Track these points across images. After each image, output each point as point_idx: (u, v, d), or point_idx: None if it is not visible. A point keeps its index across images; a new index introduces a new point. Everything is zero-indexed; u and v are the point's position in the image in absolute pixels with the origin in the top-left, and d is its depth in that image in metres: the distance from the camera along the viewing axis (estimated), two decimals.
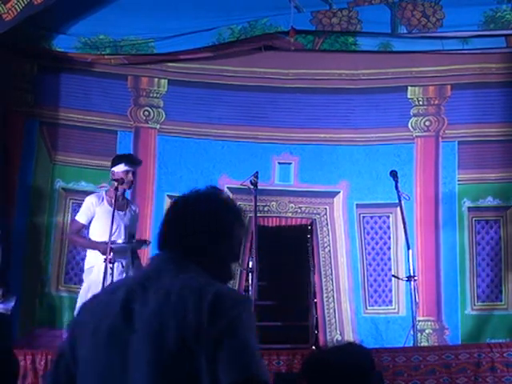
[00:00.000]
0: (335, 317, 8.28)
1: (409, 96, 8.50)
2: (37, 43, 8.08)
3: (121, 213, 7.10)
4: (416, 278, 7.00)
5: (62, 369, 2.43)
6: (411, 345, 6.81)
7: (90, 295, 6.73)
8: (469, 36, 8.08)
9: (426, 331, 8.10)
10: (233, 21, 7.98)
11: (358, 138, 8.49)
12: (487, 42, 8.12)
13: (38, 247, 8.26)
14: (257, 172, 7.27)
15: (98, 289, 6.75)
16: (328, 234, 8.44)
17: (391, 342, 7.59)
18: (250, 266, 6.99)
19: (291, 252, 8.57)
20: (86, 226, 7.13)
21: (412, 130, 8.50)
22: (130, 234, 7.18)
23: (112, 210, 6.95)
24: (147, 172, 8.43)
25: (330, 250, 8.38)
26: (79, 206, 8.30)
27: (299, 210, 8.53)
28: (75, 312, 2.49)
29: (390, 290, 8.27)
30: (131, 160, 7.12)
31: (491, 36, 8.02)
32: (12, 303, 7.25)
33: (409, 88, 8.50)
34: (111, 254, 6.92)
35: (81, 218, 7.11)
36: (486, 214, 8.33)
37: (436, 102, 8.49)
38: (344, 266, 8.35)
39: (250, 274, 6.98)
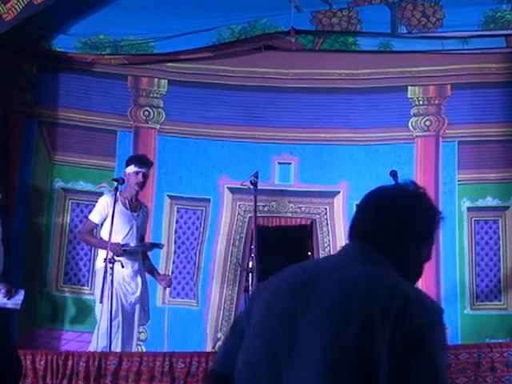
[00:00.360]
0: None
1: (409, 96, 8.50)
2: (37, 43, 8.09)
3: (134, 214, 7.11)
4: None
5: (237, 333, 2.43)
6: None
7: (105, 294, 6.75)
8: (469, 36, 8.09)
9: None
10: (233, 21, 7.99)
11: (358, 138, 8.49)
12: (487, 42, 8.13)
13: (37, 247, 8.26)
14: (257, 172, 7.26)
15: (118, 287, 6.84)
16: (328, 234, 8.44)
17: None
18: (250, 266, 6.99)
19: (291, 252, 8.56)
20: (99, 226, 7.11)
21: (412, 129, 8.50)
22: (141, 235, 7.21)
23: (127, 211, 7.01)
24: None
25: (330, 250, 8.37)
26: (78, 205, 8.34)
27: (299, 210, 8.54)
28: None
29: None
30: (141, 161, 7.12)
31: (491, 36, 8.02)
32: (21, 297, 7.24)
33: (409, 88, 8.50)
34: (111, 254, 6.94)
35: (94, 217, 7.08)
36: (486, 214, 8.33)
37: (436, 101, 8.49)
38: None
39: (249, 274, 6.98)
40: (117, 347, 6.77)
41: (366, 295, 2.18)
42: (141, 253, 7.13)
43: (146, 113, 8.56)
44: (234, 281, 8.31)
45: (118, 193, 7.06)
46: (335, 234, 8.43)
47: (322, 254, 8.38)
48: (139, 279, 7.06)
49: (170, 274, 7.75)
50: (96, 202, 8.25)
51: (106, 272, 6.88)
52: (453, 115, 8.43)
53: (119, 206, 7.03)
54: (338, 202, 8.47)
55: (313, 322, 2.22)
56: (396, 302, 2.14)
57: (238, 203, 8.43)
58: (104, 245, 6.91)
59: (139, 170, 7.03)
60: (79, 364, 6.13)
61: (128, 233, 7.02)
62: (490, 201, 8.33)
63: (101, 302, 7.25)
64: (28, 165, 8.28)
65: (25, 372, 5.96)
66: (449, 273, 8.21)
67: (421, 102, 8.51)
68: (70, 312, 8.25)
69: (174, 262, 8.36)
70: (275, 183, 8.51)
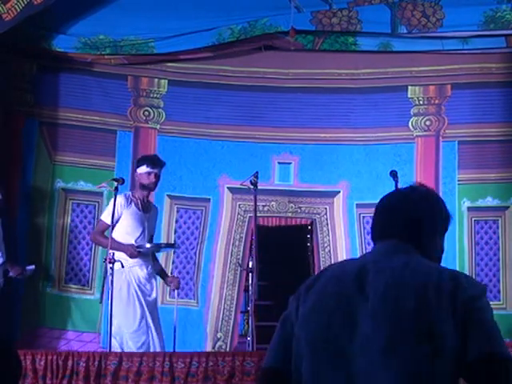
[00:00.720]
0: None
1: (409, 96, 8.50)
2: (37, 43, 8.09)
3: (146, 214, 7.08)
4: None
5: (288, 329, 2.53)
6: None
7: (125, 296, 6.76)
8: (469, 36, 8.08)
9: None
10: (233, 21, 7.98)
11: (358, 138, 8.48)
12: (487, 42, 8.12)
13: (38, 247, 8.26)
14: (257, 172, 7.25)
15: (130, 289, 6.83)
16: (328, 234, 8.44)
17: None
18: (250, 266, 6.98)
19: (291, 252, 8.57)
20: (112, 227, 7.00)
21: (412, 129, 8.49)
22: (151, 236, 7.18)
23: (140, 212, 6.97)
24: None
25: (330, 250, 8.38)
26: (79, 205, 8.33)
27: (299, 210, 8.53)
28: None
29: None
30: (153, 161, 7.06)
31: (491, 36, 8.02)
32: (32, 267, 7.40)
33: (409, 88, 8.50)
34: (112, 254, 6.93)
35: (107, 218, 6.96)
36: (486, 214, 8.33)
37: (436, 101, 8.48)
38: None
39: (249, 274, 6.97)
40: (154, 344, 6.76)
41: (418, 276, 2.37)
42: (150, 254, 7.09)
43: (146, 113, 8.56)
44: (234, 281, 8.31)
45: (130, 194, 7.05)
46: (335, 234, 8.42)
47: (321, 254, 8.38)
48: (153, 281, 7.03)
49: (177, 275, 7.69)
50: (96, 202, 8.34)
51: (106, 272, 6.88)
52: (453, 115, 8.42)
53: (133, 207, 6.98)
54: (338, 201, 8.47)
55: (370, 307, 2.35)
56: (446, 278, 2.36)
57: (238, 203, 8.42)
58: (119, 247, 6.85)
59: (151, 170, 6.98)
60: (79, 364, 6.14)
61: (141, 234, 6.99)
62: (489, 201, 8.33)
63: (100, 302, 7.27)
64: (29, 165, 8.28)
65: (25, 372, 5.97)
66: None
67: (421, 102, 8.50)
68: (71, 312, 8.24)
69: (173, 262, 8.35)
70: (275, 183, 8.51)
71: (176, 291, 7.49)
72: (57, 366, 6.16)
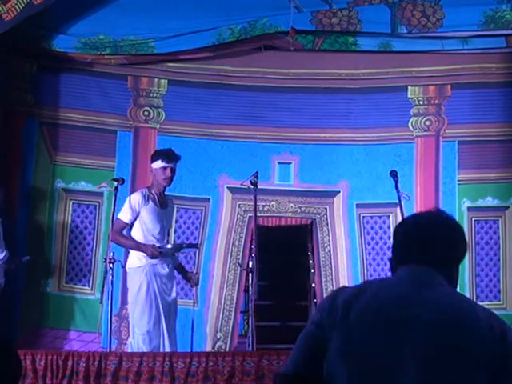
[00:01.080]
0: None
1: (409, 96, 8.49)
2: (37, 43, 8.08)
3: (164, 210, 6.99)
4: None
5: (315, 336, 2.48)
6: None
7: (143, 295, 6.72)
8: (469, 36, 8.07)
9: None
10: (233, 21, 7.97)
11: (358, 138, 8.47)
12: (487, 42, 8.11)
13: (39, 247, 8.25)
14: (257, 172, 7.22)
15: (149, 288, 6.77)
16: (328, 234, 8.43)
17: None
18: (250, 266, 6.96)
19: (291, 252, 8.57)
20: (129, 226, 6.93)
21: (412, 129, 8.48)
22: (168, 231, 7.14)
23: (158, 208, 6.88)
24: (147, 172, 8.29)
25: (330, 250, 8.37)
26: (79, 206, 8.33)
27: (299, 210, 8.53)
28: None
29: None
30: (169, 156, 6.92)
31: (491, 36, 8.01)
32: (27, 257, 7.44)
33: (409, 88, 8.49)
34: (112, 254, 6.92)
35: (125, 216, 6.85)
36: (486, 214, 8.32)
37: (436, 101, 8.47)
38: (344, 265, 8.34)
39: (249, 274, 6.95)
40: (165, 346, 6.70)
41: (461, 312, 2.39)
42: (170, 252, 7.01)
43: (146, 113, 8.55)
44: (234, 281, 8.31)
45: (147, 190, 6.96)
46: (335, 234, 8.42)
47: (321, 254, 8.37)
48: (174, 280, 6.98)
49: (198, 272, 7.54)
50: (96, 202, 8.34)
51: (106, 272, 6.87)
52: (453, 115, 8.41)
53: (150, 203, 6.87)
54: (338, 201, 8.46)
55: (419, 342, 2.35)
56: (492, 320, 2.40)
57: (238, 203, 8.42)
58: (139, 247, 6.79)
59: (167, 165, 6.86)
60: (79, 364, 6.14)
61: (160, 231, 6.90)
62: (490, 201, 8.32)
63: (101, 302, 7.25)
64: (29, 165, 8.28)
65: (25, 372, 5.97)
66: None
67: (421, 102, 8.49)
68: (71, 312, 8.24)
69: None
70: (275, 183, 8.50)
71: (176, 291, 7.49)
72: (57, 365, 6.16)
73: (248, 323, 7.12)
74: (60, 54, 8.13)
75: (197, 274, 7.41)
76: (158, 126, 8.55)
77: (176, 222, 8.39)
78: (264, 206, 8.35)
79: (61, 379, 6.14)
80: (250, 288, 6.91)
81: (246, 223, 8.40)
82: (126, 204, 6.89)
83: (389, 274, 7.98)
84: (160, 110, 8.57)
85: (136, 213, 6.81)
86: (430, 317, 2.35)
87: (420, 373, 2.31)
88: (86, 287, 8.30)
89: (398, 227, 2.63)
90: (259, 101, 8.56)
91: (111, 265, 6.77)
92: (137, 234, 6.85)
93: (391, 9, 7.95)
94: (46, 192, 8.34)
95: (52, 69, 8.37)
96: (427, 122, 8.48)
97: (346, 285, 7.87)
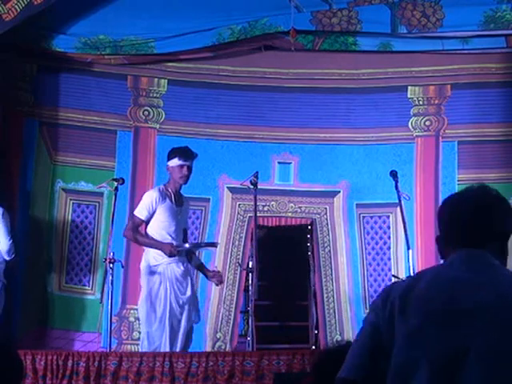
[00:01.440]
0: (335, 317, 8.26)
1: (409, 96, 8.47)
2: (37, 43, 8.05)
3: (179, 208, 6.98)
4: None
5: (372, 338, 2.42)
6: None
7: (153, 295, 6.71)
8: (469, 36, 8.06)
9: None
10: (233, 21, 7.95)
11: (357, 138, 8.46)
12: (487, 42, 8.10)
13: (39, 248, 8.24)
14: (257, 172, 7.20)
15: (160, 288, 6.77)
16: (328, 234, 8.42)
17: None
18: (250, 266, 6.95)
19: (291, 252, 8.56)
20: (145, 223, 6.92)
21: (412, 129, 8.47)
22: (184, 230, 7.10)
23: (174, 206, 6.87)
24: (147, 172, 8.43)
25: (330, 250, 8.36)
26: (79, 206, 8.32)
27: (299, 210, 8.52)
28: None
29: None
30: (186, 154, 6.92)
31: (491, 36, 7.99)
32: None
33: (409, 88, 8.47)
34: (112, 254, 6.91)
35: (141, 214, 6.85)
36: None
37: (436, 101, 8.45)
38: (344, 265, 8.33)
39: (249, 274, 6.94)
40: (165, 347, 6.67)
41: None
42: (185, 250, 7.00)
43: (146, 112, 8.53)
44: (234, 281, 8.29)
45: (163, 187, 6.96)
46: (335, 234, 8.41)
47: (321, 254, 8.36)
48: (189, 278, 6.94)
49: (217, 270, 7.50)
50: (96, 202, 8.33)
51: (106, 272, 6.86)
52: (453, 115, 8.39)
53: (167, 201, 6.87)
54: (338, 201, 8.45)
55: (478, 322, 2.32)
56: None
57: (238, 203, 8.40)
58: (157, 245, 6.78)
59: (184, 163, 6.87)
60: (79, 364, 6.14)
61: (176, 229, 6.89)
62: None
63: (101, 302, 7.23)
64: (29, 165, 8.25)
65: (25, 372, 5.96)
66: None
67: (421, 102, 8.48)
68: (71, 312, 8.22)
69: None
70: (275, 183, 8.48)
71: None
72: (57, 365, 6.16)
73: (248, 323, 7.11)
74: (60, 54, 8.11)
75: (219, 272, 7.38)
76: (157, 126, 8.54)
77: None
78: (264, 205, 8.32)
79: (61, 379, 6.14)
80: (250, 288, 6.90)
81: (246, 223, 8.38)
82: (143, 201, 6.90)
83: (389, 273, 7.96)
84: (160, 109, 8.55)
85: (153, 210, 6.82)
86: (492, 301, 2.32)
87: (488, 358, 2.28)
88: (86, 287, 8.29)
89: (446, 208, 2.55)
90: (259, 101, 8.54)
91: (111, 265, 6.77)
92: (152, 231, 6.86)
93: (391, 9, 7.94)
94: (46, 192, 8.32)
95: (52, 69, 8.35)
96: (427, 122, 8.47)
97: (346, 285, 7.84)
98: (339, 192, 8.47)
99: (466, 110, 8.39)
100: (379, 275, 8.31)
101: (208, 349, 7.95)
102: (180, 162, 6.86)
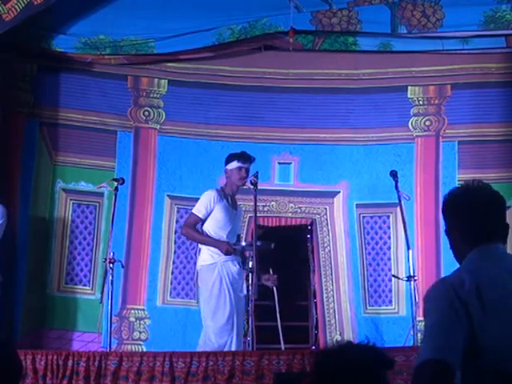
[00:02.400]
0: (335, 317, 8.25)
1: (409, 96, 8.45)
2: (37, 43, 8.03)
3: (234, 211, 7.11)
4: (416, 277, 6.98)
5: (459, 319, 2.61)
6: (411, 345, 6.79)
7: (216, 292, 6.77)
8: (469, 36, 8.03)
9: None
10: (233, 21, 7.94)
11: (358, 138, 8.44)
12: (487, 42, 8.07)
13: (39, 248, 8.22)
14: (257, 172, 7.19)
15: (222, 284, 6.84)
16: (328, 234, 8.41)
17: (391, 342, 7.54)
18: (250, 265, 6.95)
19: (291, 252, 8.54)
20: (202, 221, 7.01)
21: (412, 129, 8.44)
22: (237, 234, 7.18)
23: (230, 208, 7.00)
24: (147, 172, 8.41)
25: (330, 250, 8.35)
26: (79, 206, 8.31)
27: (299, 210, 8.50)
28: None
29: (390, 290, 8.23)
30: (244, 157, 7.08)
31: (491, 36, 7.97)
32: None
33: (409, 88, 8.45)
34: (112, 254, 6.90)
35: (199, 212, 6.97)
36: None
37: (436, 101, 8.43)
38: (344, 265, 8.32)
39: (249, 274, 6.94)
40: (231, 346, 6.74)
41: None
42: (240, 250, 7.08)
43: (146, 113, 8.51)
44: None
45: (221, 189, 7.10)
46: (335, 234, 8.39)
47: (321, 254, 8.34)
48: (243, 278, 7.03)
49: (273, 273, 7.56)
50: (97, 202, 8.32)
51: (106, 272, 6.86)
52: (453, 115, 8.37)
53: (224, 202, 7.00)
54: (338, 201, 8.44)
55: None
56: None
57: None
58: (213, 243, 6.89)
59: (242, 165, 7.02)
60: (79, 364, 6.14)
61: (231, 230, 7.01)
62: None
63: (100, 302, 7.23)
64: (29, 165, 8.22)
65: (25, 372, 5.96)
66: (449, 273, 8.13)
67: (421, 102, 8.46)
68: (72, 312, 8.21)
69: (174, 262, 8.32)
70: (275, 183, 8.47)
71: (176, 291, 7.46)
72: (57, 365, 6.15)
73: (248, 323, 7.11)
74: (60, 54, 8.08)
75: (274, 274, 7.44)
76: (158, 127, 8.51)
77: (176, 222, 8.37)
78: (264, 206, 8.32)
79: (61, 379, 6.13)
80: (250, 288, 6.90)
81: (247, 223, 8.34)
82: (201, 199, 7.02)
83: (389, 273, 7.90)
84: (160, 110, 8.53)
85: (210, 208, 6.95)
86: None
87: None
88: (87, 287, 8.27)
89: (466, 207, 2.74)
90: (259, 101, 8.53)
91: (111, 265, 6.77)
92: (209, 230, 6.97)
93: (391, 9, 7.91)
94: (47, 192, 8.30)
95: (52, 69, 8.33)
96: (427, 122, 8.44)
97: (346, 285, 7.77)
98: (339, 192, 8.45)
99: (466, 109, 8.37)
100: (379, 275, 8.29)
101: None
102: (239, 165, 7.03)
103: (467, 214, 2.66)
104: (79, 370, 6.13)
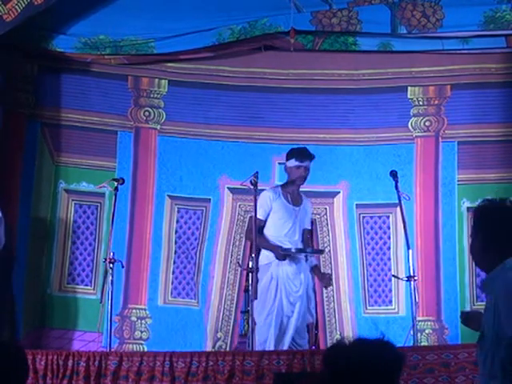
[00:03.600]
0: (335, 317, 8.21)
1: (409, 96, 8.40)
2: (37, 44, 7.98)
3: (296, 208, 7.05)
4: (416, 278, 6.95)
5: None
6: (411, 345, 6.75)
7: (265, 290, 6.81)
8: (469, 36, 7.99)
9: (426, 331, 8.03)
10: (233, 21, 7.88)
11: (357, 138, 8.38)
12: (487, 42, 8.03)
13: (40, 248, 8.18)
14: (257, 172, 7.14)
15: (271, 283, 6.89)
16: (328, 234, 8.36)
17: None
18: (250, 266, 6.91)
19: None
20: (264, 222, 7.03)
21: (412, 130, 8.39)
22: (303, 230, 7.15)
23: (290, 205, 6.98)
24: (147, 172, 8.36)
25: (330, 250, 8.30)
26: (81, 206, 8.27)
27: None
28: None
29: (390, 290, 8.20)
30: (303, 155, 7.04)
31: (491, 36, 7.93)
32: None
33: (409, 88, 8.40)
34: (112, 254, 6.87)
35: (259, 213, 6.95)
36: None
37: (436, 102, 8.38)
38: (344, 265, 8.27)
39: (249, 274, 6.90)
40: (270, 345, 6.75)
41: None
42: (305, 256, 7.08)
43: (147, 113, 8.46)
44: (234, 280, 8.22)
45: (280, 187, 7.10)
46: (335, 234, 8.35)
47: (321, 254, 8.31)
48: (302, 276, 7.01)
49: (329, 272, 7.62)
50: (98, 202, 8.29)
51: (106, 272, 6.82)
52: (453, 115, 8.33)
53: (282, 200, 7.01)
54: (338, 202, 8.39)
55: None
56: None
57: (239, 203, 8.34)
58: (269, 247, 6.92)
59: (300, 164, 7.00)
60: (79, 364, 6.12)
61: (291, 228, 6.99)
62: None
63: (101, 302, 7.20)
64: (31, 166, 8.17)
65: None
66: (449, 273, 8.13)
67: (421, 103, 8.41)
68: (73, 312, 8.16)
69: (174, 262, 8.27)
70: (275, 183, 8.37)
71: (177, 291, 7.42)
72: (57, 365, 6.12)
73: (248, 323, 7.09)
74: (60, 55, 8.03)
75: (330, 275, 7.46)
76: (158, 127, 8.46)
77: (177, 222, 8.33)
78: None
79: (61, 379, 6.11)
80: (250, 288, 6.87)
81: (247, 223, 8.29)
82: (259, 201, 7.01)
83: (389, 273, 7.87)
84: (160, 110, 8.47)
85: (269, 208, 6.99)
86: None
87: None
88: (88, 287, 8.23)
89: (501, 221, 3.16)
90: (259, 101, 8.47)
91: (111, 265, 6.76)
92: (270, 229, 7.00)
93: (391, 9, 7.86)
94: (48, 193, 8.24)
95: (53, 70, 8.26)
96: (427, 123, 8.40)
97: (346, 285, 7.74)
98: (339, 192, 8.40)
99: (465, 110, 8.32)
100: (379, 275, 8.25)
101: (208, 348, 7.92)
102: (297, 163, 7.03)
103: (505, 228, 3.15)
104: (79, 370, 6.12)
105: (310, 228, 7.42)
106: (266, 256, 6.99)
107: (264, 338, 6.81)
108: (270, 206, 6.99)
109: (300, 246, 7.16)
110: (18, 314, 7.93)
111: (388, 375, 2.70)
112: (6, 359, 2.90)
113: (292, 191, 7.10)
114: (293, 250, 6.97)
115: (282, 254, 6.88)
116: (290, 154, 7.11)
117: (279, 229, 6.98)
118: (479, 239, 3.22)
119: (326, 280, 7.26)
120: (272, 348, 6.77)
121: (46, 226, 8.20)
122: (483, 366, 3.15)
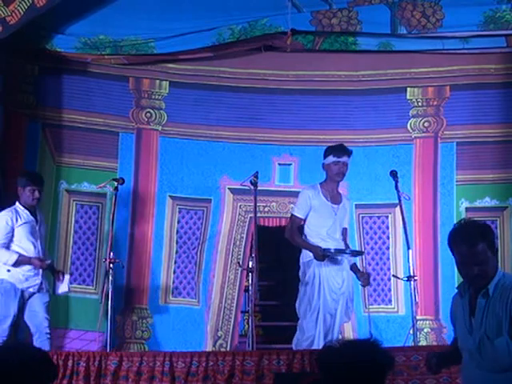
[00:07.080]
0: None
1: (408, 97, 8.29)
2: (37, 44, 7.85)
3: (335, 206, 6.84)
4: (416, 277, 6.85)
5: None
6: (411, 344, 6.67)
7: (308, 286, 6.64)
8: (469, 36, 7.87)
9: (425, 330, 7.96)
10: (233, 21, 7.76)
11: (357, 139, 8.25)
12: (487, 42, 7.92)
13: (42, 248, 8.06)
14: (257, 172, 7.08)
15: (314, 280, 6.72)
16: None
17: (391, 342, 7.40)
18: (250, 265, 6.80)
19: (291, 252, 8.38)
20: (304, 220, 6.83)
21: (411, 130, 8.28)
22: (343, 228, 6.96)
23: (329, 203, 6.78)
24: (149, 173, 8.25)
25: None
26: (83, 207, 8.17)
27: None
28: None
29: (390, 290, 8.12)
30: (340, 150, 6.81)
31: (491, 36, 7.81)
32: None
33: (408, 89, 8.29)
34: (111, 253, 6.79)
35: (299, 212, 6.81)
36: (484, 215, 8.10)
37: (435, 102, 8.27)
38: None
39: (249, 274, 6.79)
40: (319, 343, 6.53)
41: None
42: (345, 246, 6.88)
43: (148, 114, 8.34)
44: (235, 280, 8.11)
45: (319, 185, 6.86)
46: None
47: None
48: (345, 273, 6.81)
49: (366, 272, 7.35)
50: (100, 203, 8.18)
51: (106, 272, 6.77)
52: (451, 116, 8.22)
53: (321, 198, 6.79)
54: None
55: None
56: None
57: (239, 204, 8.24)
58: (307, 247, 6.73)
59: (338, 159, 6.77)
60: (79, 364, 6.10)
61: (331, 226, 6.78)
62: (488, 201, 8.19)
63: (100, 301, 7.12)
64: (32, 167, 8.02)
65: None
66: (447, 273, 8.01)
67: (420, 104, 8.30)
68: (74, 311, 8.05)
69: (175, 262, 8.16)
70: (275, 184, 8.32)
71: (178, 291, 7.34)
72: (57, 365, 5.99)
73: (248, 323, 7.01)
74: (60, 55, 7.90)
75: (368, 274, 7.20)
76: (159, 128, 8.35)
77: (178, 222, 8.24)
78: (264, 206, 8.18)
79: (61, 379, 6.01)
80: (250, 288, 6.78)
81: (247, 224, 8.21)
82: (298, 199, 6.89)
83: (388, 272, 7.73)
84: (162, 111, 8.35)
85: (308, 206, 6.77)
86: None
87: None
88: (90, 287, 8.13)
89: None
90: (260, 102, 8.37)
91: (111, 265, 6.69)
92: (310, 227, 6.80)
93: (391, 9, 7.76)
94: (50, 193, 8.09)
95: (54, 70, 8.14)
96: (426, 124, 8.30)
97: None
98: None
99: (464, 110, 8.22)
100: (378, 275, 8.16)
101: (209, 347, 7.83)
102: (335, 159, 6.79)
103: None
104: (79, 370, 6.10)
105: (347, 227, 7.21)
106: (307, 253, 6.79)
107: (310, 334, 6.61)
108: (310, 205, 6.76)
109: (341, 244, 6.91)
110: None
111: (376, 375, 2.69)
112: (39, 364, 2.88)
113: (331, 189, 6.84)
114: (332, 251, 6.71)
115: (321, 255, 6.64)
116: (328, 151, 6.85)
117: (320, 227, 6.74)
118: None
119: (364, 279, 6.95)
120: (321, 345, 6.45)
121: (48, 226, 8.07)
122: (493, 362, 3.46)
